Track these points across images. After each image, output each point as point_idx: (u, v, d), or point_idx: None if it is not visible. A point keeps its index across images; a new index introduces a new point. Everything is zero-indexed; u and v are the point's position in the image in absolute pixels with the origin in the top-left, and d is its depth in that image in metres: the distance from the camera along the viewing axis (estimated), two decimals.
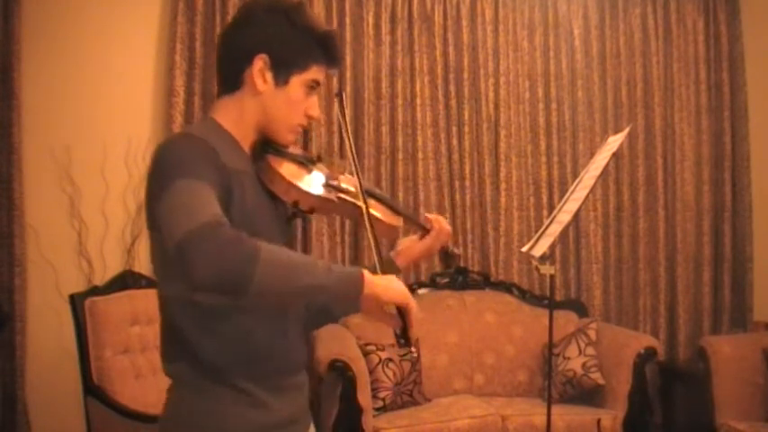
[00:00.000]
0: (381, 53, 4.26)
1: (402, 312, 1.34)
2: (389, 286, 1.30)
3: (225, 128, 1.41)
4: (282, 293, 1.18)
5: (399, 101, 4.27)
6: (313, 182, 1.45)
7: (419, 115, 4.28)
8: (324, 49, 1.43)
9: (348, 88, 4.18)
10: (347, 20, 4.18)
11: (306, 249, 4.08)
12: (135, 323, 3.18)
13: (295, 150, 1.52)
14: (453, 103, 4.38)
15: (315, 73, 1.43)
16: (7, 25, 3.58)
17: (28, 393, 3.58)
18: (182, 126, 3.89)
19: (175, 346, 1.37)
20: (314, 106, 1.46)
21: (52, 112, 3.76)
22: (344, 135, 1.56)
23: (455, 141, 4.37)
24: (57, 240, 3.72)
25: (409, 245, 1.67)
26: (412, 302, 1.33)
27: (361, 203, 1.48)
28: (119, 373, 3.02)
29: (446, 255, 1.75)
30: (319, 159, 1.54)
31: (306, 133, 4.09)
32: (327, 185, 1.47)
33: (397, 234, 1.65)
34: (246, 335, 1.36)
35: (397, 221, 1.62)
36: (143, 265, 3.81)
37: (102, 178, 3.76)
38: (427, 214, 1.70)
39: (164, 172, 1.23)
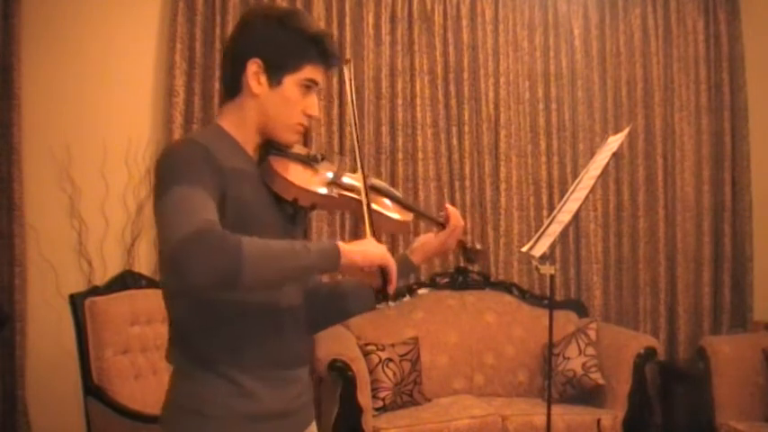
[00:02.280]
0: (381, 53, 4.26)
1: (382, 271, 1.40)
2: (366, 251, 1.38)
3: (228, 131, 1.48)
4: (270, 280, 1.29)
5: (399, 101, 4.27)
6: (314, 179, 1.48)
7: (419, 115, 4.28)
8: (317, 48, 1.48)
9: (348, 88, 4.16)
10: (347, 20, 4.18)
11: None
12: (135, 323, 3.18)
13: (299, 150, 1.55)
14: (453, 103, 4.38)
15: (309, 72, 1.48)
16: (7, 25, 3.58)
17: (28, 393, 3.58)
18: (182, 126, 3.90)
19: (174, 335, 1.47)
20: (312, 106, 1.51)
21: (52, 112, 3.76)
22: (350, 105, 1.61)
23: (455, 141, 4.37)
24: (57, 240, 3.72)
25: (425, 241, 1.70)
26: (389, 261, 1.40)
27: (362, 198, 1.50)
28: (119, 373, 3.02)
29: (465, 251, 1.75)
30: (323, 158, 1.57)
31: (305, 134, 4.09)
32: (330, 182, 1.50)
33: (407, 229, 1.67)
34: (236, 326, 1.42)
35: (405, 216, 1.62)
36: (143, 265, 3.81)
37: (102, 178, 3.76)
38: (447, 206, 1.70)
39: (162, 177, 1.33)
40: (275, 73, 1.46)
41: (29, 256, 3.65)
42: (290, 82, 1.47)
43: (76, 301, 3.08)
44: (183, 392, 1.43)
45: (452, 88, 4.37)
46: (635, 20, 4.64)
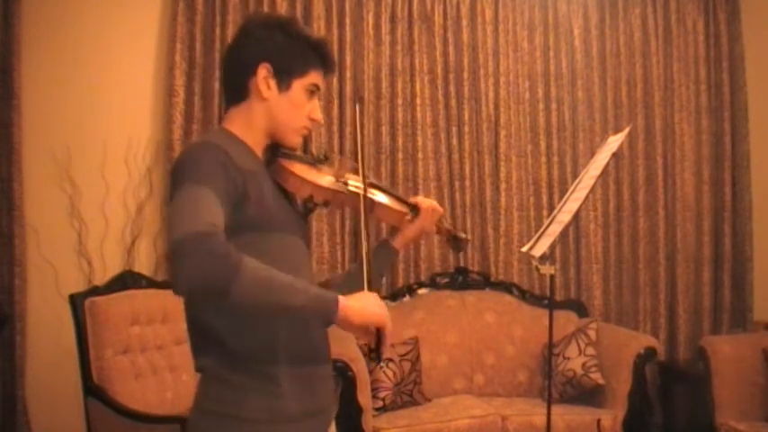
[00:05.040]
0: (381, 53, 4.26)
1: (377, 330, 1.40)
2: (364, 309, 1.37)
3: (237, 135, 1.53)
4: (259, 307, 1.27)
5: (399, 101, 4.27)
6: (323, 177, 1.58)
7: (419, 115, 4.28)
8: (319, 55, 1.57)
9: (348, 88, 4.18)
10: (347, 20, 4.18)
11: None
12: (135, 323, 3.18)
13: (302, 152, 1.65)
14: (453, 103, 4.38)
15: (314, 77, 1.56)
16: (7, 25, 3.58)
17: (28, 393, 3.58)
18: (182, 126, 3.90)
19: (201, 340, 1.46)
20: (316, 110, 1.59)
21: (52, 112, 3.76)
22: (358, 138, 1.75)
23: (455, 141, 4.37)
24: (57, 240, 3.72)
25: (402, 227, 1.80)
26: (385, 322, 1.40)
27: (367, 194, 1.59)
28: (119, 373, 3.02)
29: (452, 238, 1.87)
30: (326, 159, 1.67)
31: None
32: (336, 180, 1.60)
33: (404, 220, 1.76)
34: (269, 325, 1.44)
35: (404, 209, 1.74)
36: (143, 265, 3.81)
37: (102, 178, 3.76)
38: (414, 197, 1.80)
39: (178, 176, 1.35)
40: (284, 77, 1.53)
41: (29, 256, 3.65)
42: (298, 86, 1.54)
43: (76, 301, 3.08)
44: (216, 397, 1.43)
45: (452, 88, 4.37)
46: (635, 20, 4.64)
